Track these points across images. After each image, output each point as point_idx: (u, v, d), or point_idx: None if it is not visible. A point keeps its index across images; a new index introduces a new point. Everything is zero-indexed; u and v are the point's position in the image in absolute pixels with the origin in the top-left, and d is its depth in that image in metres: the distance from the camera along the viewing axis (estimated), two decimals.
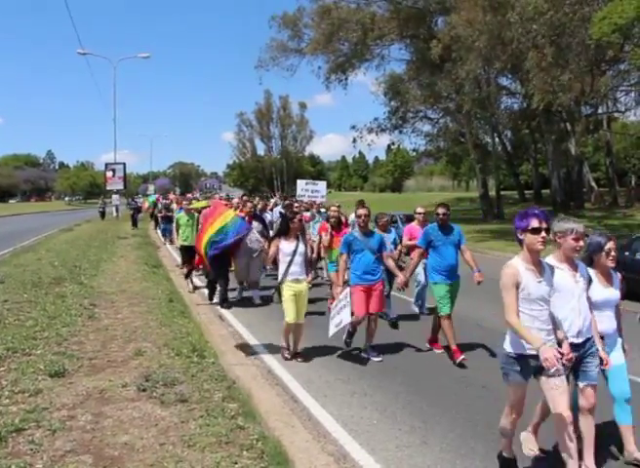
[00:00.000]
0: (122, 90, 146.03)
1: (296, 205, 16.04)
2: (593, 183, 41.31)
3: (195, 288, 12.80)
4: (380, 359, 7.62)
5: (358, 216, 8.06)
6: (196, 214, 12.87)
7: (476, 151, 38.76)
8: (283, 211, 13.62)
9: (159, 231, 25.95)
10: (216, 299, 10.53)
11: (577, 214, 29.69)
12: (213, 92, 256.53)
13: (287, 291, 7.31)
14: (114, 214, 40.62)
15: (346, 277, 7.94)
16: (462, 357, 7.20)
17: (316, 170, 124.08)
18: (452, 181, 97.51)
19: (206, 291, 11.74)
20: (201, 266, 11.21)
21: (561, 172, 35.23)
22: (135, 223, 32.32)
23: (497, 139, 41.65)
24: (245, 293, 12.07)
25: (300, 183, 14.53)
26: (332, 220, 10.58)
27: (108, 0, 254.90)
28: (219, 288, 9.65)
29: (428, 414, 5.59)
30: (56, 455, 4.37)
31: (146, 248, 21.09)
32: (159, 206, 27.09)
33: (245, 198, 14.45)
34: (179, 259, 16.50)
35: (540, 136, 39.51)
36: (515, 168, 52.10)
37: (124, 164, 43.15)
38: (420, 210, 10.41)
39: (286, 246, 7.41)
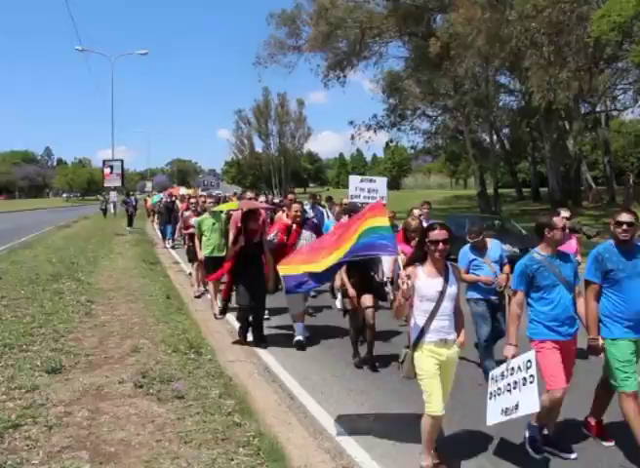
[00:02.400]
0: (119, 86, 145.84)
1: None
2: (591, 182, 41.30)
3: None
4: None
5: (550, 227, 4.77)
6: (224, 217, 10.39)
7: (474, 149, 38.77)
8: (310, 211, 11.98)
9: (159, 231, 24.55)
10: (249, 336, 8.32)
11: (575, 213, 29.72)
12: (209, 89, 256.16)
13: (427, 360, 4.38)
14: (111, 210, 40.54)
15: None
16: None
17: (314, 167, 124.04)
18: (450, 179, 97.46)
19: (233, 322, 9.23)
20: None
21: (559, 170, 35.23)
22: (130, 222, 29.64)
23: (495, 137, 41.65)
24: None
25: (354, 180, 11.01)
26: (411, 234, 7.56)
27: None
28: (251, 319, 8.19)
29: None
30: (52, 451, 4.38)
31: (144, 245, 21.07)
32: (162, 206, 24.38)
33: (291, 197, 11.09)
34: (186, 269, 14.60)
35: (538, 135, 39.48)
36: (513, 166, 52.11)
37: (122, 161, 42.97)
38: None
39: (426, 283, 4.42)
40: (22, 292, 10.65)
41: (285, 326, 8.80)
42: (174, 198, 23.10)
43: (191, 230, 11.68)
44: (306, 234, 8.41)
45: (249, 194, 11.58)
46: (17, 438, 4.59)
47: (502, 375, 4.62)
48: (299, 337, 8.01)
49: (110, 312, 9.41)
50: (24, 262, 15.01)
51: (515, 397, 4.35)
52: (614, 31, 20.56)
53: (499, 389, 4.61)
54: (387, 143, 46.63)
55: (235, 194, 24.27)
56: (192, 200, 13.09)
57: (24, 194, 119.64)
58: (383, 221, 4.98)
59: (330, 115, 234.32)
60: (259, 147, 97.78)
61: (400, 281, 4.37)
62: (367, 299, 7.08)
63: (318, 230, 8.79)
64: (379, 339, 7.52)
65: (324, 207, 14.03)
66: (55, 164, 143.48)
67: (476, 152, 39.19)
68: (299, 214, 8.47)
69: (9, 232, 26.61)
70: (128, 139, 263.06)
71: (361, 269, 7.02)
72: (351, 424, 5.34)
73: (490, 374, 4.81)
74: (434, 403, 4.28)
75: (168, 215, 20.70)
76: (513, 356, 4.58)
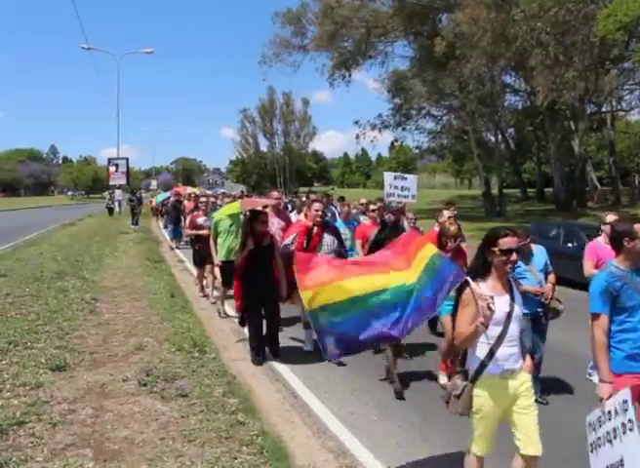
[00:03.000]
0: (124, 85, 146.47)
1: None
2: (596, 182, 41.19)
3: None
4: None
5: (630, 236, 3.96)
6: (241, 217, 9.09)
7: (479, 149, 38.71)
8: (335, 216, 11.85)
9: (165, 232, 24.13)
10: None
11: (579, 213, 29.67)
12: (212, 87, 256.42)
13: (484, 394, 3.65)
14: (117, 209, 40.63)
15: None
16: None
17: (319, 166, 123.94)
18: (454, 179, 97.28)
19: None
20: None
21: (564, 170, 35.14)
22: (136, 221, 29.62)
23: (500, 137, 41.55)
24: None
25: (388, 177, 10.06)
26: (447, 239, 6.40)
27: None
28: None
29: (428, 412, 5.59)
30: (56, 449, 4.39)
31: (148, 243, 21.09)
32: (169, 205, 23.15)
33: (314, 197, 10.54)
34: (191, 267, 13.98)
35: (543, 135, 39.39)
36: (518, 166, 51.99)
37: (127, 159, 43.10)
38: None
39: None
40: (27, 290, 10.68)
41: (291, 323, 8.79)
42: (181, 197, 22.04)
43: (204, 231, 10.63)
44: (328, 239, 7.46)
45: (275, 194, 9.65)
46: (21, 435, 4.61)
47: (600, 421, 3.67)
48: (308, 347, 7.62)
49: (115, 310, 9.43)
50: (29, 260, 15.04)
51: (617, 449, 3.44)
52: (620, 31, 20.49)
53: (598, 439, 3.66)
54: (392, 143, 46.47)
55: (242, 192, 23.46)
56: (203, 199, 12.06)
57: (30, 192, 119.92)
58: (430, 250, 4.21)
59: (334, 115, 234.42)
60: (263, 146, 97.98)
61: (484, 303, 3.47)
62: None
63: (339, 236, 7.78)
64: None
65: (335, 207, 13.54)
66: (60, 162, 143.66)
67: (481, 152, 39.10)
68: (320, 214, 7.48)
69: (14, 230, 26.68)
70: (132, 138, 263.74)
71: None
72: (355, 424, 5.34)
73: (587, 421, 3.80)
74: (481, 444, 3.70)
75: (176, 215, 19.70)
76: (609, 396, 3.67)
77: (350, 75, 38.88)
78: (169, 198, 25.91)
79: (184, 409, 5.20)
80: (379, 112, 41.76)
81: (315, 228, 7.45)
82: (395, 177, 10.38)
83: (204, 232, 10.58)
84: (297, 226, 7.74)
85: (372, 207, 9.91)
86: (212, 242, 9.52)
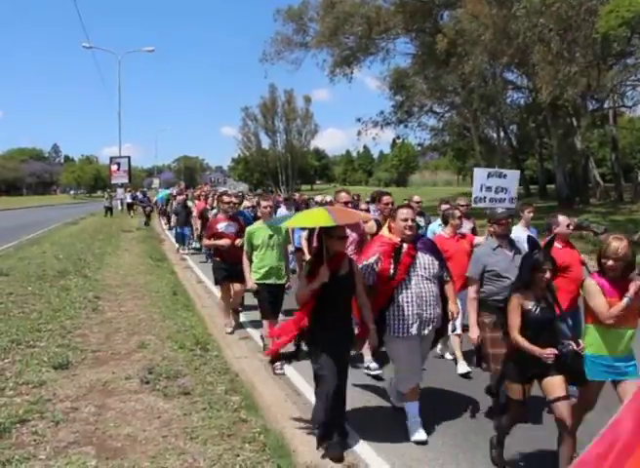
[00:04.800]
0: (125, 83, 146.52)
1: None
2: (599, 179, 41.08)
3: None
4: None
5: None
6: (284, 227, 7.09)
7: (481, 146, 38.65)
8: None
9: (170, 233, 22.95)
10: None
11: (582, 210, 29.61)
12: (212, 86, 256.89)
13: None
14: (119, 207, 40.69)
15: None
16: None
17: (321, 164, 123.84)
18: (457, 176, 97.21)
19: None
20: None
21: (566, 167, 35.04)
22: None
23: (502, 134, 41.48)
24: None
25: (480, 175, 7.81)
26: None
27: None
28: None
29: (430, 409, 5.57)
30: (59, 446, 4.40)
31: (151, 241, 21.10)
32: (174, 205, 22.07)
33: (387, 199, 8.00)
34: (194, 266, 14.73)
35: (545, 131, 39.28)
36: (520, 162, 51.77)
37: (129, 157, 43.18)
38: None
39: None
40: (30, 289, 10.69)
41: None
42: (184, 196, 20.35)
43: (224, 242, 8.43)
44: (425, 260, 5.12)
45: (344, 195, 7.35)
46: (24, 433, 4.61)
47: None
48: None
49: (117, 308, 9.44)
50: (32, 259, 15.06)
51: None
52: (622, 27, 20.43)
53: None
54: (394, 140, 46.54)
55: (241, 193, 21.67)
56: (226, 199, 9.00)
57: (32, 191, 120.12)
58: None
59: (333, 112, 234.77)
60: (265, 144, 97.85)
61: None
62: (555, 385, 4.15)
63: (439, 254, 5.41)
64: None
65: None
66: (62, 161, 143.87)
67: (483, 149, 39.05)
68: (411, 225, 5.08)
69: (16, 229, 26.72)
70: (134, 136, 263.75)
71: (549, 338, 4.19)
72: (356, 420, 5.33)
73: None
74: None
75: (185, 217, 17.86)
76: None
77: (352, 72, 38.83)
78: (172, 194, 25.67)
79: (187, 407, 5.21)
80: (378, 110, 41.87)
81: (405, 246, 5.07)
82: (490, 175, 7.99)
83: (224, 242, 8.42)
84: (378, 244, 5.27)
85: (460, 205, 7.69)
86: (245, 259, 7.23)
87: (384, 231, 5.40)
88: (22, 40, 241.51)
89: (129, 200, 38.63)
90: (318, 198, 15.26)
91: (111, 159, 43.15)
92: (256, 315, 9.33)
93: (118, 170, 41.40)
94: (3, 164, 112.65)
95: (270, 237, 7.15)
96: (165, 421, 4.92)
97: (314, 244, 5.41)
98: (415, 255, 5.08)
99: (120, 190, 41.17)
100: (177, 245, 18.80)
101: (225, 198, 9.10)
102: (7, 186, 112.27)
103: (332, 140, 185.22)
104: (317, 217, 4.88)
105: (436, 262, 5.18)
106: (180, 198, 19.45)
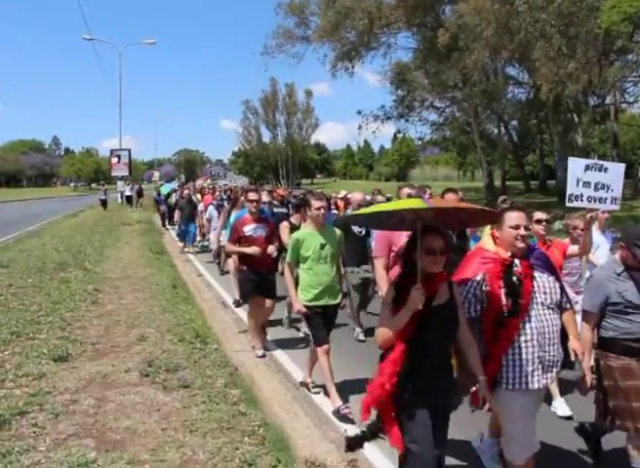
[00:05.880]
0: (125, 76, 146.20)
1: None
2: None
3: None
4: None
5: None
6: (338, 232, 5.96)
7: (482, 141, 38.66)
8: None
9: (173, 230, 21.86)
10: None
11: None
12: (212, 79, 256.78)
13: None
14: (119, 200, 40.67)
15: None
16: None
17: (322, 158, 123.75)
18: (457, 171, 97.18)
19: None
20: None
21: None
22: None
23: (503, 129, 41.49)
24: None
25: (576, 167, 6.05)
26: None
27: None
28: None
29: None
30: (58, 438, 4.41)
31: (150, 234, 21.08)
32: (174, 197, 21.87)
33: (501, 197, 7.26)
34: (198, 265, 14.23)
35: (546, 127, 39.33)
36: (521, 158, 51.85)
37: (129, 150, 43.11)
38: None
39: None
40: (30, 281, 10.69)
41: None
42: (189, 190, 18.82)
43: (253, 249, 7.02)
44: (544, 281, 3.72)
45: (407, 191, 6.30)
46: (23, 425, 4.62)
47: None
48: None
49: (117, 301, 9.43)
50: (32, 251, 15.06)
51: None
52: (624, 22, 20.42)
53: None
54: (395, 135, 46.55)
55: (243, 189, 20.75)
56: (252, 196, 7.38)
57: (32, 183, 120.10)
58: None
59: (333, 106, 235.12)
60: (266, 138, 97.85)
61: None
62: None
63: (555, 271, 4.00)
64: None
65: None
66: (62, 153, 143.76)
67: (484, 144, 39.07)
68: (523, 235, 3.66)
69: (17, 221, 26.72)
70: (134, 129, 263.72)
71: None
72: (356, 415, 5.33)
73: None
74: None
75: (190, 212, 16.63)
76: None
77: (354, 67, 38.78)
78: (173, 189, 25.43)
79: (186, 400, 5.21)
80: (377, 104, 42.03)
81: (518, 262, 3.68)
82: (588, 168, 6.40)
83: (253, 250, 7.04)
84: (479, 259, 3.79)
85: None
86: (288, 273, 5.82)
87: (485, 241, 3.97)
88: (22, 32, 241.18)
89: (128, 193, 38.58)
90: (342, 193, 14.74)
91: (112, 151, 43.10)
92: None
93: (118, 162, 41.34)
94: (3, 156, 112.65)
95: (323, 246, 5.68)
96: (164, 414, 4.93)
97: (399, 260, 4.20)
98: (532, 276, 3.70)
99: (120, 183, 41.12)
100: (180, 243, 17.64)
101: (252, 195, 7.40)
102: (7, 178, 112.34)
103: (332, 134, 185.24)
104: (404, 202, 3.76)
105: (556, 284, 3.80)
106: (185, 192, 18.11)
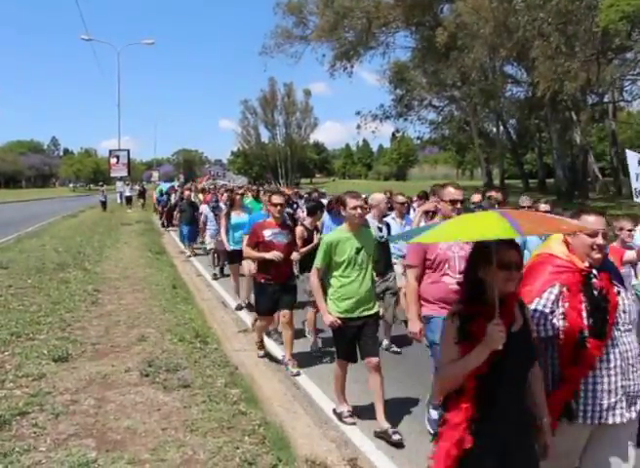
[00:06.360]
0: (124, 76, 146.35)
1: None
2: (598, 173, 41.10)
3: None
4: None
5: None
6: (375, 233, 6.18)
7: (481, 140, 38.69)
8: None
9: (174, 233, 21.00)
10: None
11: (581, 204, 29.61)
12: (210, 78, 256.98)
13: None
14: (118, 200, 40.66)
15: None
16: None
17: (321, 157, 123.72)
18: (456, 170, 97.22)
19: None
20: None
21: (566, 161, 35.09)
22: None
23: (501, 128, 41.52)
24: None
25: (634, 161, 6.14)
26: None
27: None
28: None
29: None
30: (59, 439, 4.41)
31: (150, 234, 21.07)
32: (173, 198, 21.70)
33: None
34: (198, 266, 14.30)
35: (544, 126, 39.34)
36: (520, 157, 51.85)
37: (128, 151, 43.15)
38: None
39: None
40: (29, 282, 10.69)
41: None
42: (188, 192, 18.11)
43: (274, 254, 6.44)
44: (623, 297, 3.15)
45: (453, 192, 4.73)
46: (24, 425, 4.62)
47: None
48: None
49: (116, 301, 9.43)
50: (31, 251, 15.06)
51: None
52: (622, 21, 20.43)
53: None
54: (394, 134, 46.57)
55: (243, 189, 20.39)
56: (276, 199, 6.78)
57: (31, 184, 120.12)
58: None
59: (330, 106, 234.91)
60: (265, 137, 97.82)
61: None
62: None
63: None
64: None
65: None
66: (61, 154, 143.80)
67: (483, 143, 39.10)
68: (601, 244, 3.10)
69: (16, 221, 26.71)
70: (132, 129, 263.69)
71: None
72: (357, 414, 5.35)
73: None
74: None
75: (192, 214, 15.86)
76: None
77: (352, 66, 38.80)
78: (173, 187, 25.33)
79: (186, 400, 5.21)
80: (375, 104, 42.19)
81: (595, 273, 3.09)
82: None
83: (275, 255, 6.44)
84: (551, 268, 3.15)
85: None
86: (316, 281, 5.17)
87: (553, 247, 3.25)
88: (21, 33, 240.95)
89: (128, 193, 38.59)
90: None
91: (110, 152, 43.13)
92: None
93: (117, 163, 41.37)
94: (2, 157, 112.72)
95: (358, 251, 5.03)
96: (165, 414, 4.93)
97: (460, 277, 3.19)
98: (618, 292, 3.12)
99: (119, 183, 41.12)
100: (181, 245, 17.32)
101: (276, 198, 6.76)
102: (6, 179, 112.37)
103: (330, 134, 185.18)
104: (484, 225, 2.61)
105: (631, 301, 3.23)
106: (186, 194, 17.56)
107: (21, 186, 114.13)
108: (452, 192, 4.63)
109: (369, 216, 6.81)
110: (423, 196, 10.33)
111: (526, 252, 4.86)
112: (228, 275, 11.36)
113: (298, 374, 6.34)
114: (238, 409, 5.01)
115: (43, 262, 12.95)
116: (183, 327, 7.73)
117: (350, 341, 5.07)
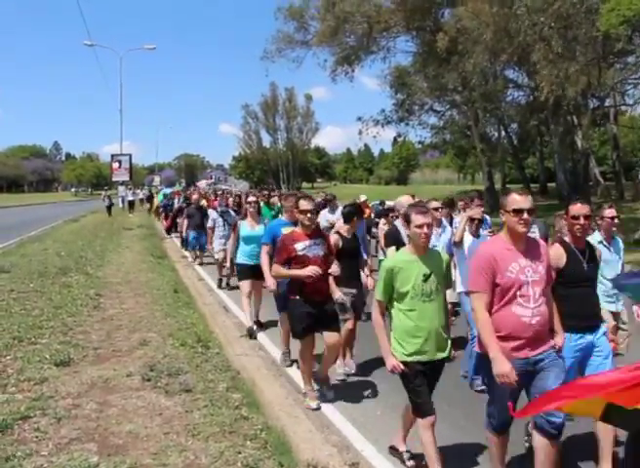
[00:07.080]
0: (126, 81, 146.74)
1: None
2: (599, 177, 41.05)
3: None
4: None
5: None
6: (441, 248, 6.01)
7: (482, 144, 38.67)
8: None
9: (175, 238, 20.81)
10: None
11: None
12: (211, 83, 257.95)
13: None
14: (120, 205, 40.72)
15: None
16: None
17: (322, 162, 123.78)
18: (457, 174, 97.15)
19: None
20: None
21: (567, 165, 35.08)
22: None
23: (503, 132, 41.48)
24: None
25: None
26: None
27: None
28: None
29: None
30: (61, 443, 4.41)
31: (152, 239, 21.11)
32: (175, 201, 21.66)
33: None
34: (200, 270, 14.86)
35: (546, 130, 39.33)
36: (521, 161, 51.81)
37: (130, 155, 43.21)
38: None
39: None
40: (31, 286, 10.71)
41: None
42: (195, 196, 17.56)
43: (308, 272, 5.49)
44: None
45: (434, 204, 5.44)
46: (26, 429, 4.62)
47: None
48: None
49: (118, 306, 9.44)
50: (34, 256, 15.08)
51: None
52: (623, 25, 20.40)
53: None
54: (395, 138, 46.57)
55: (250, 192, 20.04)
56: (304, 205, 5.72)
57: (33, 188, 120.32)
58: None
59: (331, 110, 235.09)
60: (266, 142, 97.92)
61: None
62: None
63: None
64: None
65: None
66: (63, 158, 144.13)
67: (484, 147, 39.06)
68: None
69: (18, 226, 26.75)
70: (134, 134, 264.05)
71: None
72: (358, 418, 5.35)
73: None
74: None
75: (200, 220, 14.89)
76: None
77: (354, 71, 38.84)
78: (173, 193, 25.28)
79: (188, 404, 5.21)
80: (375, 108, 42.25)
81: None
82: None
83: (312, 270, 5.51)
84: None
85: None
86: (378, 317, 4.30)
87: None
88: (24, 38, 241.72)
89: (130, 198, 38.66)
90: (363, 198, 14.76)
91: (112, 156, 43.19)
92: (264, 313, 9.25)
93: (119, 167, 41.43)
94: (4, 161, 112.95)
95: (426, 278, 4.14)
96: (166, 418, 4.93)
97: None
98: None
99: (121, 188, 41.18)
100: (187, 253, 16.73)
101: (304, 204, 5.68)
102: (8, 183, 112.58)
103: (332, 138, 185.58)
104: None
105: None
106: (194, 198, 16.89)
107: (24, 191, 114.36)
108: (517, 199, 3.82)
109: (398, 223, 6.30)
110: (449, 203, 9.08)
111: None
112: (236, 287, 10.55)
113: (318, 408, 5.62)
114: (240, 413, 5.02)
115: (45, 266, 12.97)
116: (185, 331, 7.73)
117: (426, 390, 4.16)
